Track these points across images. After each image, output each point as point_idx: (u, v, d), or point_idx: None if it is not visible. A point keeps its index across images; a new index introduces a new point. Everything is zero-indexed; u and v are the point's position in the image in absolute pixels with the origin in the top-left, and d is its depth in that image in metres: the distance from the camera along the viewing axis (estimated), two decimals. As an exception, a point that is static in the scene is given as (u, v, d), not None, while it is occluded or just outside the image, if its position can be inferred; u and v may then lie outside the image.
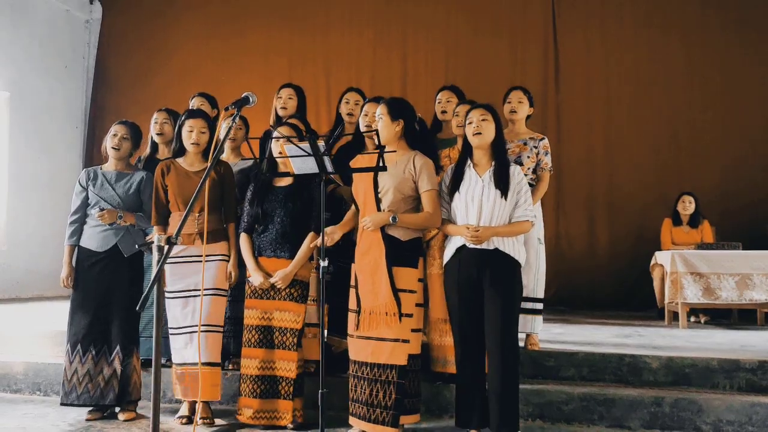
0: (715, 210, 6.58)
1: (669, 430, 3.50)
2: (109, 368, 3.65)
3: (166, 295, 3.57)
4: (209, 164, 2.65)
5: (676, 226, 6.34)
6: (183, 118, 3.66)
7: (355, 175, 3.42)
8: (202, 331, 3.48)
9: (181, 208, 3.61)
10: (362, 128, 3.73)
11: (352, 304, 3.36)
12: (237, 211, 3.75)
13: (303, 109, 4.40)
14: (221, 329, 3.62)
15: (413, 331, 3.27)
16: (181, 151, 3.68)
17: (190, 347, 3.55)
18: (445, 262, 3.29)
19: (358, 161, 3.42)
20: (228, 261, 3.65)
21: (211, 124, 3.70)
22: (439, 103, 4.13)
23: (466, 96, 4.14)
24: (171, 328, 3.60)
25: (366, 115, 3.70)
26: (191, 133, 3.60)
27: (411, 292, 3.26)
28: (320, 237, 3.15)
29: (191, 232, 3.56)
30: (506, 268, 3.17)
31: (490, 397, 3.12)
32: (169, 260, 3.43)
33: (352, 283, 3.38)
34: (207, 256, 3.51)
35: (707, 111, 7.16)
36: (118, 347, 3.65)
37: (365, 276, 3.28)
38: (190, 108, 4.20)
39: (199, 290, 3.49)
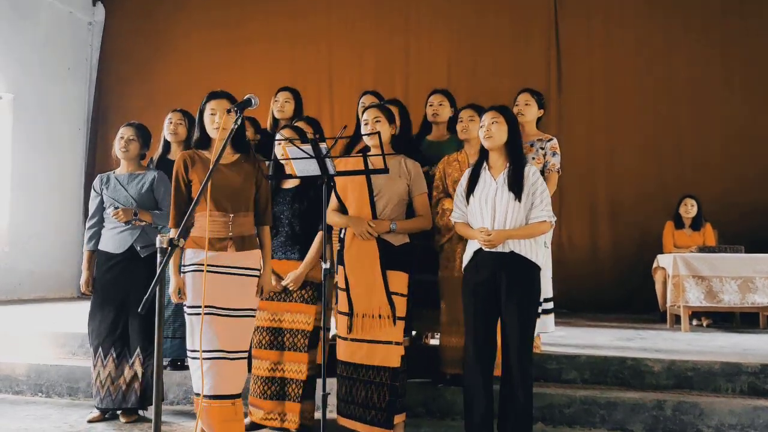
0: (717, 213, 6.56)
1: (671, 434, 3.50)
2: (130, 370, 3.65)
3: (187, 311, 3.11)
4: (211, 167, 2.54)
5: (678, 229, 6.33)
6: (204, 101, 3.19)
7: (341, 178, 3.33)
8: (221, 358, 3.04)
9: (211, 207, 3.07)
10: (363, 131, 3.73)
11: (342, 306, 3.38)
12: (272, 213, 3.35)
13: (300, 112, 4.41)
14: (246, 355, 3.16)
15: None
16: (204, 141, 3.21)
17: (220, 376, 3.03)
18: (464, 265, 3.27)
19: (340, 164, 3.40)
20: (259, 275, 3.21)
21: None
22: (430, 105, 4.18)
23: (468, 100, 4.16)
24: (194, 351, 3.05)
25: (366, 123, 3.69)
26: (214, 116, 3.12)
27: (403, 295, 3.31)
28: (323, 238, 3.16)
29: (224, 237, 3.09)
30: (523, 271, 3.12)
31: (504, 402, 3.10)
32: (191, 268, 3.08)
33: (342, 285, 3.39)
34: (240, 268, 3.12)
35: (709, 114, 7.14)
36: (138, 349, 3.64)
37: (357, 279, 3.30)
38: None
39: (228, 309, 3.07)
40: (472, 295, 3.19)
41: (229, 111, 2.92)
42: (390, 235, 3.31)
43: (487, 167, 3.25)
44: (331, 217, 3.44)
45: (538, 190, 3.15)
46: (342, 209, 3.46)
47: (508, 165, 3.19)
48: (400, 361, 3.26)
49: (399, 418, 3.34)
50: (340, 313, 3.39)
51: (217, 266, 3.07)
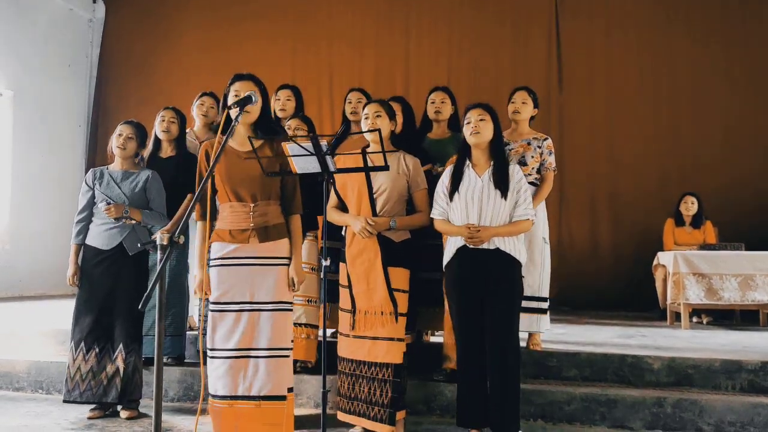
0: (717, 210, 6.56)
1: (671, 431, 3.49)
2: (111, 366, 3.65)
3: (211, 306, 3.01)
4: (210, 168, 2.52)
5: (678, 226, 6.33)
6: (229, 83, 3.10)
7: (340, 175, 3.30)
8: (264, 357, 2.94)
9: (232, 198, 3.01)
10: (364, 128, 3.72)
11: (344, 304, 3.38)
12: (301, 201, 3.17)
13: (301, 110, 4.41)
14: (289, 353, 3.04)
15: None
16: (229, 127, 3.04)
17: (243, 376, 2.95)
18: (445, 262, 3.30)
19: (340, 161, 3.39)
20: (289, 265, 3.06)
21: (264, 90, 3.11)
22: (432, 103, 4.16)
23: (469, 98, 4.16)
24: (213, 349, 3.00)
25: (367, 117, 3.68)
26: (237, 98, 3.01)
27: (404, 291, 3.31)
28: (317, 235, 3.15)
29: (245, 228, 3.01)
30: (507, 267, 3.17)
31: (492, 397, 3.12)
32: (216, 262, 3.01)
33: (344, 282, 3.39)
34: (266, 258, 3.01)
35: (710, 111, 7.15)
36: (121, 345, 3.65)
37: (359, 277, 3.31)
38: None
39: (258, 303, 2.97)
40: (458, 292, 3.22)
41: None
42: (390, 231, 3.31)
43: (470, 165, 3.27)
44: (331, 214, 3.43)
45: (522, 188, 3.21)
46: (342, 206, 3.46)
47: (492, 163, 3.24)
48: (403, 358, 3.27)
49: (399, 415, 3.34)
50: (342, 310, 3.39)
51: (239, 258, 2.98)
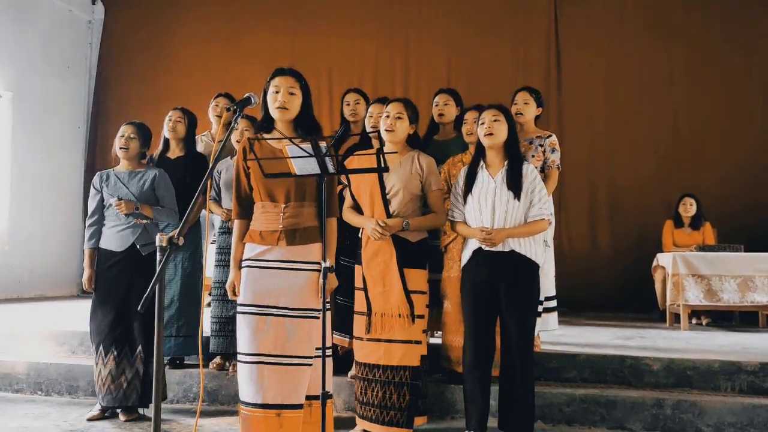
0: (716, 212, 6.57)
1: (670, 433, 3.50)
2: (131, 369, 3.64)
3: (238, 309, 2.96)
4: (210, 169, 2.46)
5: (677, 227, 6.34)
6: (269, 78, 3.00)
7: (355, 176, 3.31)
8: (282, 364, 2.84)
9: (264, 197, 2.93)
10: (367, 128, 3.71)
11: (360, 306, 3.33)
12: (338, 203, 3.08)
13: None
14: (311, 361, 2.87)
15: (423, 331, 3.30)
16: (268, 123, 3.02)
17: (262, 382, 2.82)
18: (462, 264, 3.27)
19: (353, 162, 3.38)
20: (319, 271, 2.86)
21: (305, 85, 3.02)
22: (436, 105, 4.16)
23: (468, 98, 4.16)
24: (239, 353, 2.92)
25: (371, 116, 3.66)
26: (277, 94, 2.92)
27: (422, 293, 3.28)
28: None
29: (274, 229, 2.92)
30: (523, 270, 3.14)
31: (506, 400, 3.11)
32: (245, 264, 2.94)
33: (359, 285, 3.36)
34: (295, 262, 2.90)
35: (709, 112, 7.16)
36: (139, 347, 3.64)
37: (375, 279, 3.26)
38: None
39: (283, 308, 2.87)
40: (472, 295, 3.19)
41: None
42: (406, 232, 3.27)
43: (484, 166, 3.25)
44: (347, 215, 3.41)
45: (537, 188, 3.17)
46: (357, 207, 3.42)
47: (506, 163, 3.21)
48: (421, 360, 3.24)
49: (420, 420, 3.32)
50: (358, 313, 3.34)
51: (268, 261, 2.90)
